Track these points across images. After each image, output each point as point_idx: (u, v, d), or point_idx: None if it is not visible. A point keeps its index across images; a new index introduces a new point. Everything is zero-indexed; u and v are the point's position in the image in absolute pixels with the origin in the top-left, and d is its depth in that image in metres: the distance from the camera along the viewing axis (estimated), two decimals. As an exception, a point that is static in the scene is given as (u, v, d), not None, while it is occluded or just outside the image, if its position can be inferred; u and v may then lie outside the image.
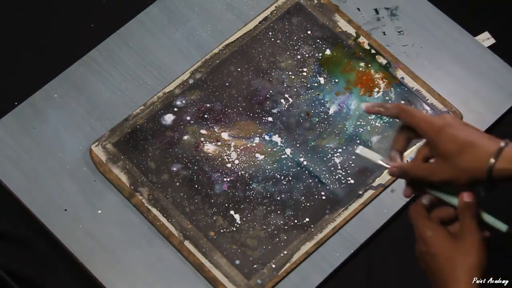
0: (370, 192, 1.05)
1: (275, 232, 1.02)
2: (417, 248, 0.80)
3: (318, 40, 1.13)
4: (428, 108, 1.10)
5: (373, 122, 1.09)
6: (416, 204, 0.81)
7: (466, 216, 0.77)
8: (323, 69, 1.12)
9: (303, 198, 1.04)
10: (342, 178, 1.05)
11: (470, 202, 0.77)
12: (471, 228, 0.77)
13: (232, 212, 1.03)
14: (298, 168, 1.06)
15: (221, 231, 1.02)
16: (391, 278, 1.03)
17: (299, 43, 1.13)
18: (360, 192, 1.05)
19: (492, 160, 0.74)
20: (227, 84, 1.11)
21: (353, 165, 1.06)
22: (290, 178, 1.05)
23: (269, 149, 1.07)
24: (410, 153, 1.07)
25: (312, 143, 1.07)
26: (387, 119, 1.09)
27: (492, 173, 0.74)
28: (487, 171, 0.74)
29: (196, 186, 1.05)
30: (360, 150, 0.86)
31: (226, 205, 1.04)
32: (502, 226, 0.78)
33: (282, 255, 1.01)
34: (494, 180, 0.74)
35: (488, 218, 0.78)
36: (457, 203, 0.78)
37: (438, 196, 0.80)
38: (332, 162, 1.06)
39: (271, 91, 1.10)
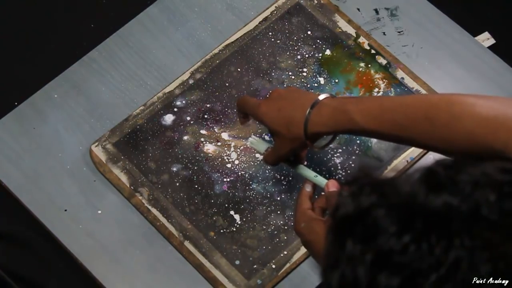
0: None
1: (275, 232, 1.02)
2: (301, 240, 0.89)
3: (318, 40, 1.13)
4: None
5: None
6: (299, 195, 0.90)
7: (332, 201, 0.86)
8: (323, 69, 1.12)
9: (303, 198, 1.04)
10: (342, 178, 1.05)
11: (334, 191, 0.86)
12: None
13: (232, 212, 1.03)
14: (298, 168, 1.06)
15: (221, 231, 1.02)
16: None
17: (299, 43, 1.13)
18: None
19: (308, 115, 0.86)
20: (227, 84, 1.11)
21: (353, 165, 1.06)
22: (290, 178, 1.05)
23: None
24: (410, 153, 1.07)
25: (312, 143, 1.07)
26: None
27: (307, 128, 0.87)
28: (304, 127, 0.87)
29: (196, 186, 1.05)
30: (250, 141, 0.98)
31: (226, 205, 1.04)
32: None
33: (282, 255, 1.01)
34: (311, 135, 0.87)
35: None
36: (320, 183, 0.90)
37: (303, 175, 0.92)
38: (332, 162, 1.06)
39: (271, 91, 1.10)
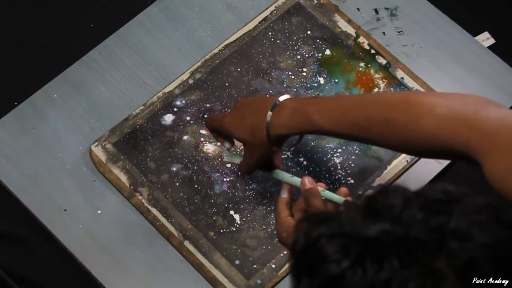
0: (369, 193, 1.05)
1: (275, 232, 1.02)
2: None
3: (318, 40, 1.13)
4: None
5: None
6: (277, 204, 0.89)
7: (309, 199, 0.86)
8: (323, 69, 1.12)
9: (303, 198, 1.04)
10: (342, 178, 1.05)
11: (310, 188, 0.86)
12: (316, 207, 0.85)
13: (232, 212, 1.03)
14: (298, 168, 1.06)
15: (221, 231, 1.02)
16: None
17: (299, 43, 1.13)
18: (360, 192, 1.05)
19: (268, 118, 0.87)
20: (226, 84, 1.11)
21: (353, 165, 1.06)
22: (290, 178, 1.05)
23: (269, 149, 1.07)
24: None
25: (312, 143, 1.07)
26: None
27: (269, 131, 0.87)
28: (266, 130, 0.87)
29: (196, 186, 1.05)
30: (225, 156, 0.99)
31: (226, 205, 1.04)
32: (339, 199, 0.85)
33: (282, 255, 1.01)
34: (274, 137, 0.87)
35: (326, 194, 0.86)
36: (297, 183, 0.88)
37: (280, 179, 0.92)
38: (332, 162, 1.06)
39: (271, 91, 1.10)
